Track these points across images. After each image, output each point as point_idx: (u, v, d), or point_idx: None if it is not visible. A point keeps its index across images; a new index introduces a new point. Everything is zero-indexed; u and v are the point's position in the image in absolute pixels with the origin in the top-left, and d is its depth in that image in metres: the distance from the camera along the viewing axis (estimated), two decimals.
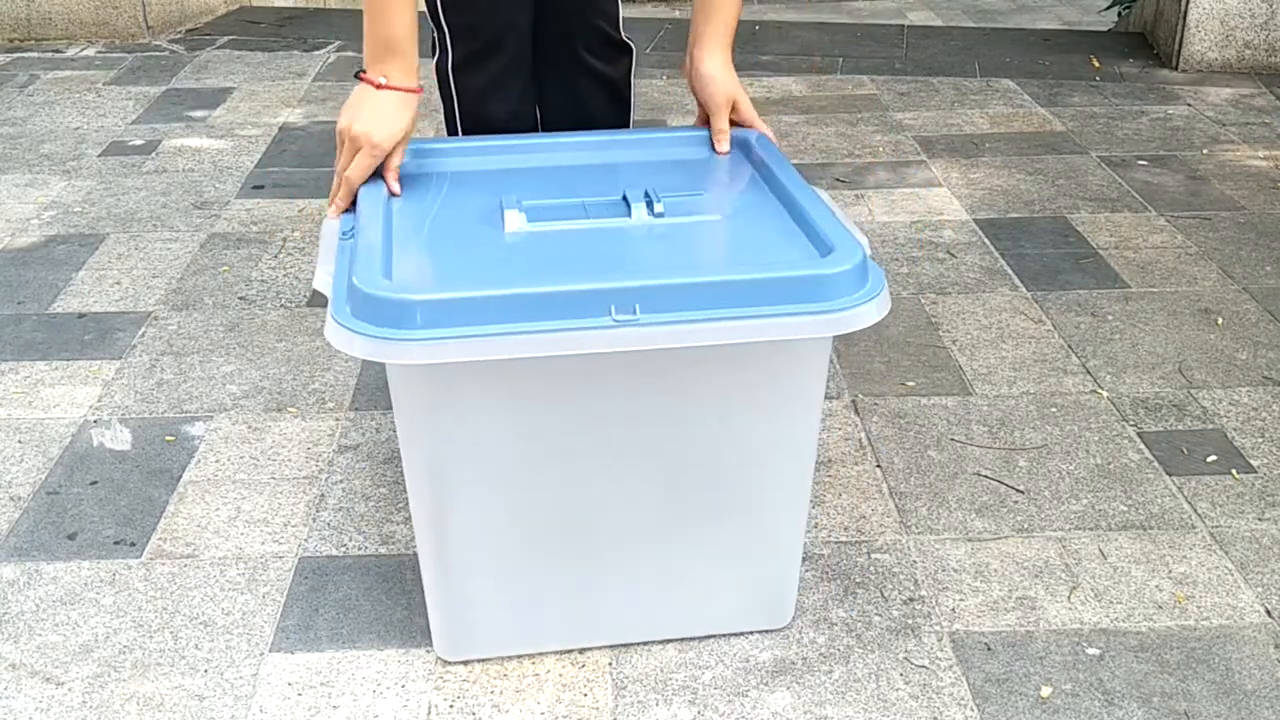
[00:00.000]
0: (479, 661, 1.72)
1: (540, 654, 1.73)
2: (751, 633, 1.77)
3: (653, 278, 1.43)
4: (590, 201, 1.68)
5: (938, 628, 1.79)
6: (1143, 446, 2.22)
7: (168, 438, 2.26)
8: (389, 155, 1.70)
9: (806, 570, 1.89)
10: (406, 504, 2.04)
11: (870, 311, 1.46)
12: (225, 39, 4.74)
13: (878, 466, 2.17)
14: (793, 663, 1.72)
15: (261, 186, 3.38)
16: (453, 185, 1.78)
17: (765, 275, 1.44)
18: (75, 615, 1.82)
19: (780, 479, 1.65)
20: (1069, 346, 2.56)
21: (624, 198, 1.67)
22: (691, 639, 1.76)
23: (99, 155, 3.61)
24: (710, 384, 1.55)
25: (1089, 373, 2.46)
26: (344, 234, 1.61)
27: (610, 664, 1.72)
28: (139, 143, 3.71)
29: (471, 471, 1.56)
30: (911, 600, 1.85)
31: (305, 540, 1.98)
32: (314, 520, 2.03)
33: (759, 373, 1.55)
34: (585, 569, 1.67)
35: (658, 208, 1.64)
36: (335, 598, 1.85)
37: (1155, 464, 2.17)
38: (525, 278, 1.46)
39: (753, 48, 4.67)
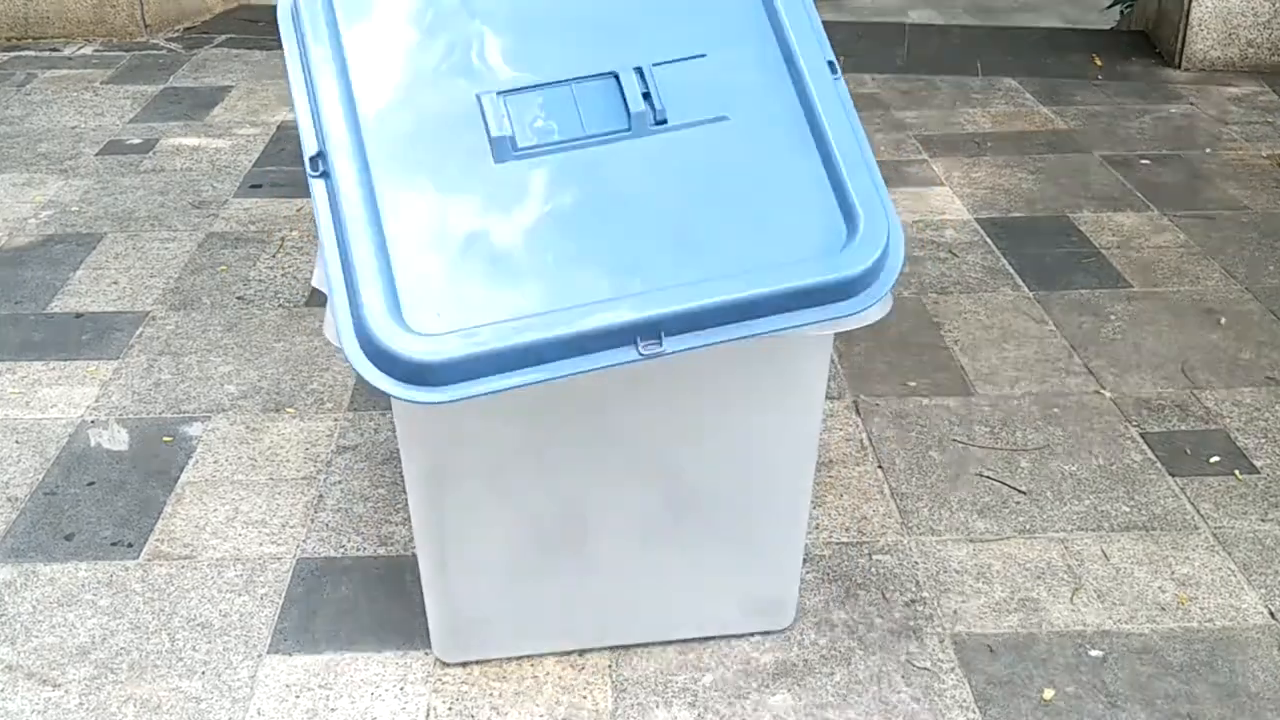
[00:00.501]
0: (478, 663, 1.71)
1: (540, 655, 1.72)
2: (752, 634, 1.76)
3: (675, 300, 1.36)
4: (579, 87, 1.49)
5: (940, 629, 1.78)
6: (1145, 447, 2.21)
7: (165, 438, 2.24)
8: None
9: (807, 572, 1.88)
10: (405, 505, 2.03)
11: (873, 311, 1.45)
12: (223, 37, 4.72)
13: (879, 467, 2.16)
14: (794, 664, 1.71)
15: (260, 186, 3.37)
16: (418, 38, 1.52)
17: (792, 286, 1.38)
18: (72, 617, 1.81)
19: (781, 480, 1.64)
20: (1071, 347, 2.55)
21: (616, 78, 1.49)
22: (692, 640, 1.75)
23: (96, 154, 3.59)
24: (711, 385, 1.54)
25: (1091, 373, 2.45)
26: (313, 166, 1.45)
27: (610, 666, 1.71)
28: (136, 142, 3.70)
29: (471, 472, 1.55)
30: (913, 602, 1.84)
31: (303, 541, 1.97)
32: (312, 521, 2.02)
33: (760, 373, 1.54)
34: (585, 570, 1.66)
35: (662, 106, 1.47)
36: (333, 599, 1.84)
37: (1158, 465, 2.16)
38: (538, 279, 1.38)
39: None
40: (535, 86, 1.48)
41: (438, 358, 1.33)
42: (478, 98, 1.47)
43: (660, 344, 1.37)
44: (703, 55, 1.53)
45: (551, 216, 1.43)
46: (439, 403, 1.35)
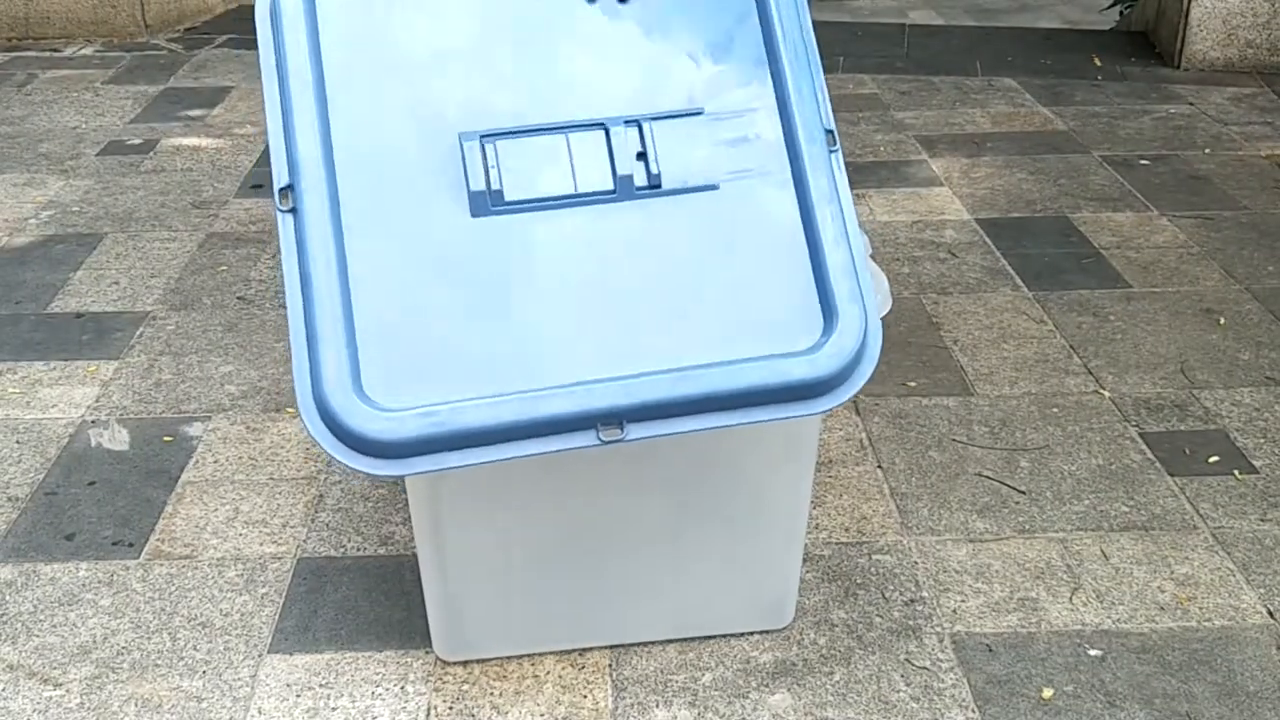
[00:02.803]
0: (478, 662, 1.71)
1: (540, 654, 1.72)
2: (752, 634, 1.76)
3: (640, 392, 1.34)
4: (572, 133, 1.40)
5: (939, 629, 1.79)
6: (1145, 447, 2.21)
7: (166, 438, 2.25)
8: None
9: (807, 571, 1.88)
10: (405, 504, 2.03)
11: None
12: (224, 38, 4.73)
13: (879, 467, 2.17)
14: (793, 664, 1.72)
15: (260, 186, 3.37)
16: (404, 62, 1.42)
17: (762, 384, 1.36)
18: (73, 616, 1.81)
19: (781, 480, 1.64)
20: (1071, 347, 2.55)
21: (605, 132, 1.40)
22: (692, 640, 1.75)
23: (97, 154, 3.60)
24: None
25: (1091, 373, 2.46)
26: (282, 199, 1.38)
27: (610, 665, 1.71)
28: (137, 142, 3.70)
29: (471, 472, 1.55)
30: (913, 601, 1.84)
31: (304, 541, 1.97)
32: (313, 521, 2.02)
33: None
34: (585, 569, 1.66)
35: (652, 169, 1.40)
36: (334, 599, 1.84)
37: (1157, 464, 2.16)
38: (505, 346, 1.34)
39: None
40: (520, 132, 1.40)
41: (394, 436, 1.32)
42: (460, 140, 1.40)
43: (622, 432, 1.36)
44: (699, 112, 1.45)
45: (523, 284, 1.38)
46: (392, 475, 1.35)
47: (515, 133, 1.41)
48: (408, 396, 1.34)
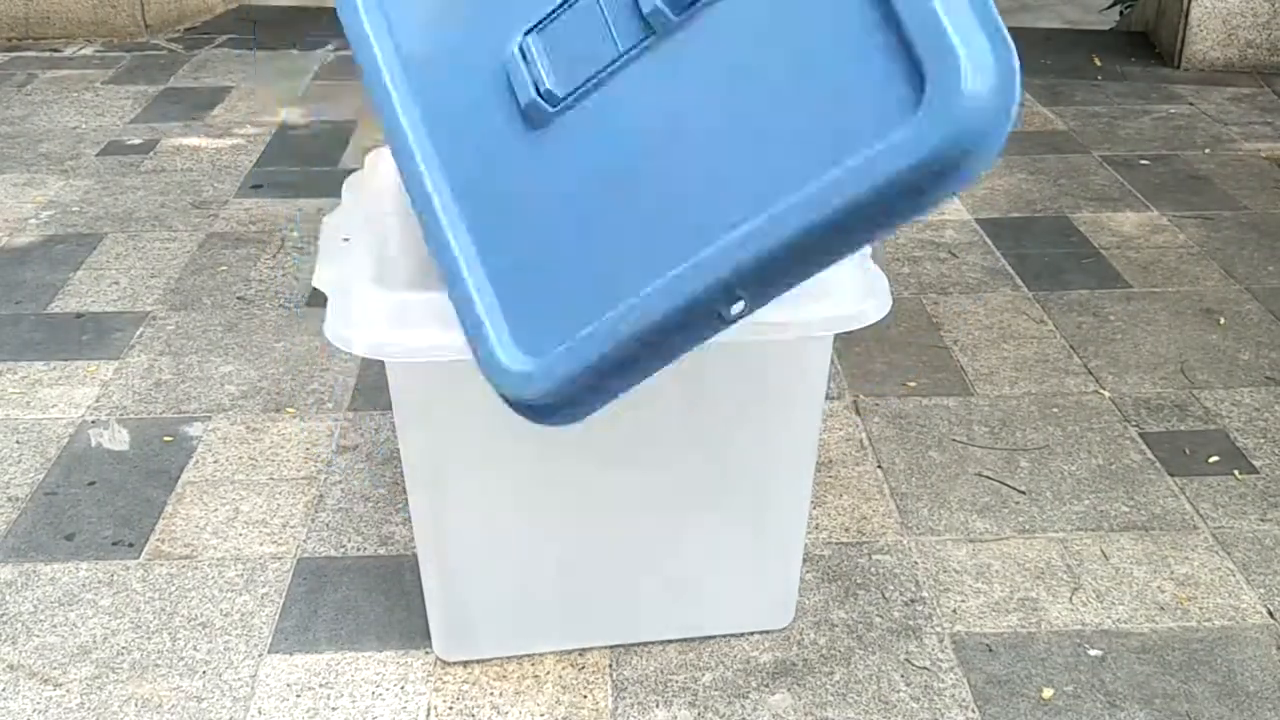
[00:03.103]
0: (478, 662, 1.71)
1: (540, 654, 1.72)
2: (752, 634, 1.76)
3: (752, 247, 1.16)
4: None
5: (939, 629, 1.79)
6: (1145, 447, 2.21)
7: (166, 438, 2.25)
8: None
9: (807, 571, 1.89)
10: (405, 504, 2.03)
11: (872, 312, 1.45)
12: (224, 38, 4.73)
13: (879, 467, 2.17)
14: (793, 664, 1.72)
15: (260, 186, 3.38)
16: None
17: (857, 196, 1.11)
18: (73, 616, 1.81)
19: (781, 479, 1.65)
20: (1071, 347, 2.55)
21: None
22: (692, 640, 1.75)
23: (97, 154, 3.60)
24: (712, 385, 1.54)
25: (1091, 373, 2.46)
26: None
27: (610, 665, 1.72)
28: (137, 142, 3.70)
29: (471, 470, 1.55)
30: (913, 601, 1.84)
31: (304, 541, 1.97)
32: (313, 521, 2.02)
33: (761, 374, 1.55)
34: (585, 569, 1.66)
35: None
36: (334, 599, 1.85)
37: (1157, 464, 2.16)
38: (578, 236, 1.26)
39: None
40: (559, 8, 1.28)
41: (544, 401, 1.32)
42: (516, 48, 1.30)
43: (746, 303, 1.21)
44: None
45: (603, 185, 1.26)
46: (570, 423, 1.34)
47: (555, 11, 1.28)
48: (539, 352, 1.30)
